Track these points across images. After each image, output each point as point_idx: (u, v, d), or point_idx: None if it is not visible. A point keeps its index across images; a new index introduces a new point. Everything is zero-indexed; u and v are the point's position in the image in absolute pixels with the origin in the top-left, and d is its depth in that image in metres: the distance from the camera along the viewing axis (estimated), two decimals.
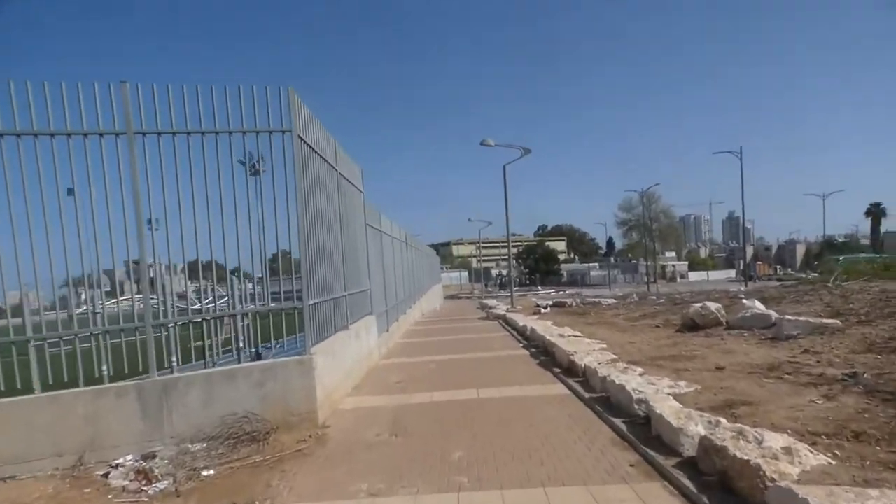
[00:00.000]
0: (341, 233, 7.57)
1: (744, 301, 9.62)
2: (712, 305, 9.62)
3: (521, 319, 13.72)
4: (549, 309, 16.12)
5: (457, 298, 51.07)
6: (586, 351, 7.50)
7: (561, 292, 60.77)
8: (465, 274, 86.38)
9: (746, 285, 30.04)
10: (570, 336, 9.34)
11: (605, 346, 8.02)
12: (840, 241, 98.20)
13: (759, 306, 9.22)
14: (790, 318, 7.59)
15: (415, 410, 5.77)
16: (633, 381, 5.26)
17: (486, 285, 54.26)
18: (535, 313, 15.94)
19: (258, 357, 6.65)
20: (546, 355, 8.69)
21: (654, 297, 18.35)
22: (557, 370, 7.37)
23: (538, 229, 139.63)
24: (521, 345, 10.42)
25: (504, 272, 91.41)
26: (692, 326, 9.60)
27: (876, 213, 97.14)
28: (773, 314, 8.67)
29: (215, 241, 5.30)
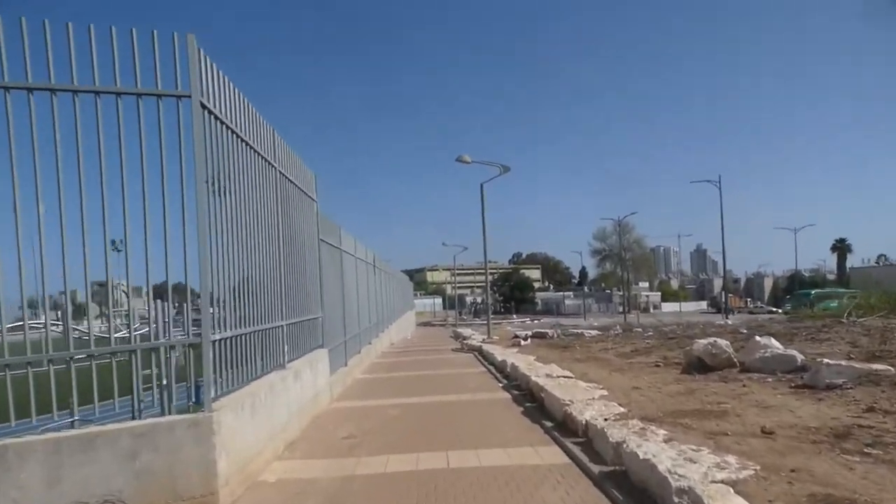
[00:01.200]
0: (281, 247, 6.00)
1: (757, 339, 8.33)
2: (722, 342, 8.30)
3: (500, 353, 12.22)
4: (528, 340, 14.68)
5: (430, 325, 49.42)
6: (584, 400, 6.02)
7: (536, 321, 59.65)
8: (438, 300, 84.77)
9: (726, 317, 29.19)
10: (559, 377, 7.86)
11: (604, 392, 6.55)
12: (807, 275, 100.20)
13: (776, 345, 7.94)
14: (829, 361, 6.28)
15: (360, 489, 4.17)
16: (663, 455, 3.79)
17: (459, 313, 52.65)
18: (514, 345, 14.46)
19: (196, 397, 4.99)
20: (532, 400, 7.18)
21: (641, 330, 17.08)
22: (549, 424, 5.86)
23: (513, 257, 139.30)
24: (501, 385, 8.88)
25: (479, 299, 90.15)
26: (700, 367, 8.25)
27: (842, 248, 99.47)
28: (798, 355, 7.38)
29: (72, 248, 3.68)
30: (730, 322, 20.39)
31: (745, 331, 11.89)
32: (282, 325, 5.89)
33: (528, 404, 7.03)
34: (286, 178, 6.35)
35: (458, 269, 51.91)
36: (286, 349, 5.96)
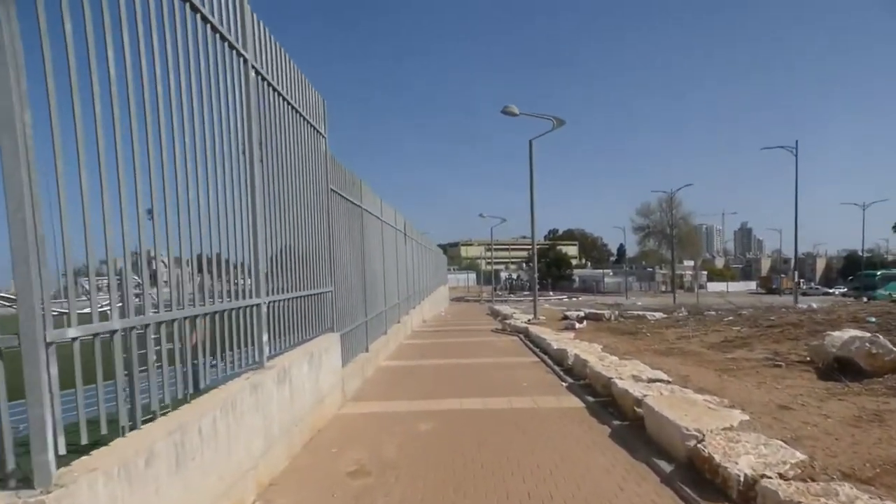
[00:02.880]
0: (258, 182, 4.01)
1: None
2: (883, 339, 5.96)
3: (552, 337, 10.11)
4: (584, 323, 12.50)
5: (464, 301, 47.54)
6: (718, 430, 3.87)
7: (574, 298, 57.14)
8: (472, 275, 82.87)
9: (796, 301, 26.09)
10: (651, 381, 5.71)
11: (740, 413, 4.38)
12: (864, 256, 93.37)
13: None
14: None
15: None
16: None
17: (495, 288, 50.59)
18: (566, 328, 12.31)
19: None
20: (619, 415, 5.08)
21: (714, 313, 14.61)
22: (664, 465, 3.76)
23: (549, 233, 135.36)
24: (565, 385, 6.80)
25: (514, 275, 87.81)
26: (845, 370, 5.96)
27: None
28: None
29: None
30: (813, 305, 17.62)
31: (871, 319, 9.40)
32: (258, 304, 3.93)
33: (615, 422, 4.92)
34: (273, 87, 4.32)
35: (494, 245, 49.58)
36: (266, 339, 4.01)
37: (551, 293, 63.40)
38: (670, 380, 5.86)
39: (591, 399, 5.88)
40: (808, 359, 6.82)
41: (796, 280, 29.68)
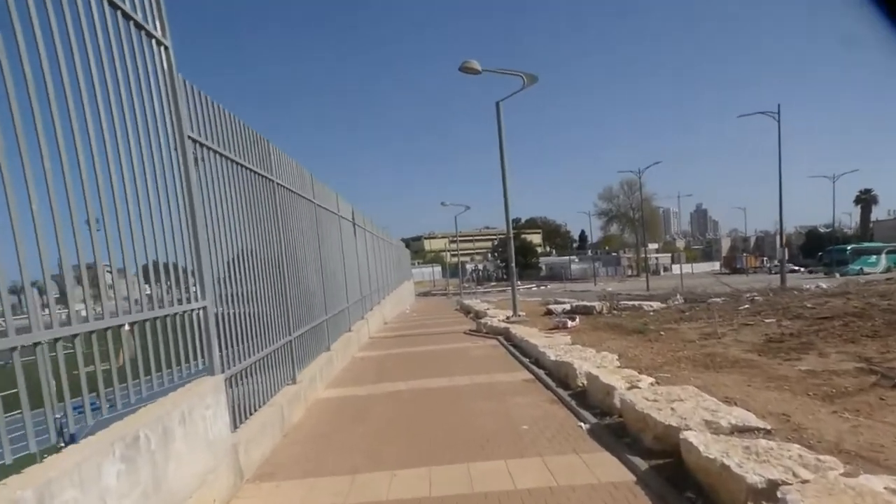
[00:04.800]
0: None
1: None
2: None
3: (543, 342, 7.87)
4: (577, 321, 10.33)
5: (430, 296, 45.24)
6: None
7: (542, 287, 55.63)
8: (438, 269, 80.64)
9: (783, 281, 24.81)
10: (750, 433, 3.51)
11: None
12: (823, 231, 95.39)
13: None
14: None
15: None
16: None
17: (462, 281, 48.41)
18: (556, 327, 10.10)
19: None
20: None
21: (720, 301, 12.71)
22: None
23: (512, 223, 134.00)
24: (585, 426, 4.53)
25: (481, 266, 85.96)
26: None
27: (867, 199, 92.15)
28: None
29: None
30: (822, 285, 16.09)
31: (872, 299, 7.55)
32: None
33: None
34: None
35: (458, 236, 47.35)
36: None
37: (519, 282, 61.65)
38: (768, 427, 3.66)
39: (641, 463, 3.61)
40: None
41: (784, 256, 28.39)
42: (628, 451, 3.86)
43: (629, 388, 4.82)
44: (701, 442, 3.36)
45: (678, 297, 14.37)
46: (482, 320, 12.15)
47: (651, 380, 5.06)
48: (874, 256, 52.09)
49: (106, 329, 2.56)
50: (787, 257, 29.46)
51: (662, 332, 8.56)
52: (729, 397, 4.63)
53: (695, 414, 3.87)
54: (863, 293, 11.18)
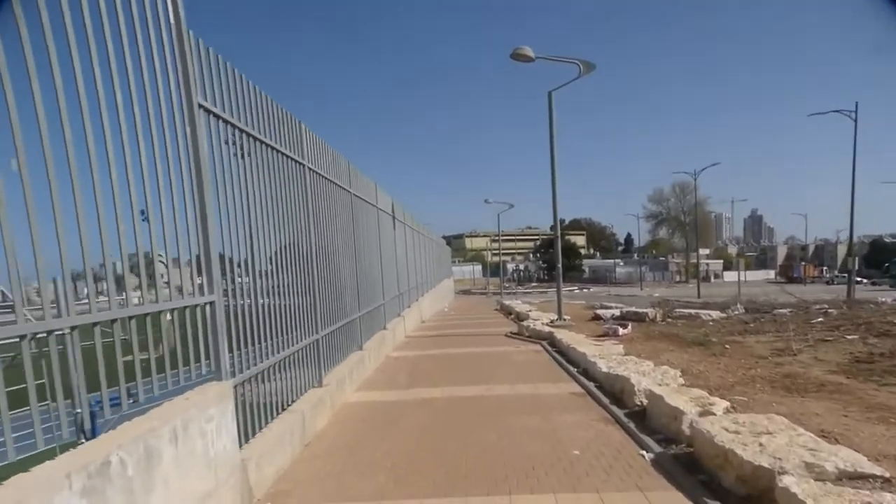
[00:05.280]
0: None
1: None
2: None
3: (592, 351, 7.17)
4: (628, 328, 9.51)
5: (469, 294, 44.70)
6: None
7: (585, 290, 54.07)
8: (478, 268, 79.97)
9: (850, 293, 22.80)
10: (860, 482, 2.78)
11: None
12: (889, 241, 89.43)
13: None
14: None
15: None
16: None
17: (503, 280, 47.55)
18: (605, 334, 9.34)
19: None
20: None
21: (787, 313, 11.57)
22: None
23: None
24: (649, 456, 3.85)
25: (522, 266, 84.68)
26: None
27: None
28: None
29: None
30: None
31: None
32: None
33: None
34: None
35: (501, 235, 46.52)
36: None
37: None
38: (886, 475, 2.91)
39: None
40: None
41: (854, 266, 26.14)
42: (705, 492, 3.19)
43: (701, 414, 4.11)
44: (807, 493, 2.67)
45: (738, 306, 13.23)
46: (524, 323, 11.48)
47: (725, 404, 4.32)
48: None
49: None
50: (856, 268, 27.29)
51: (727, 346, 7.67)
52: (826, 431, 3.86)
53: (790, 453, 3.15)
54: None
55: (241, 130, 3.75)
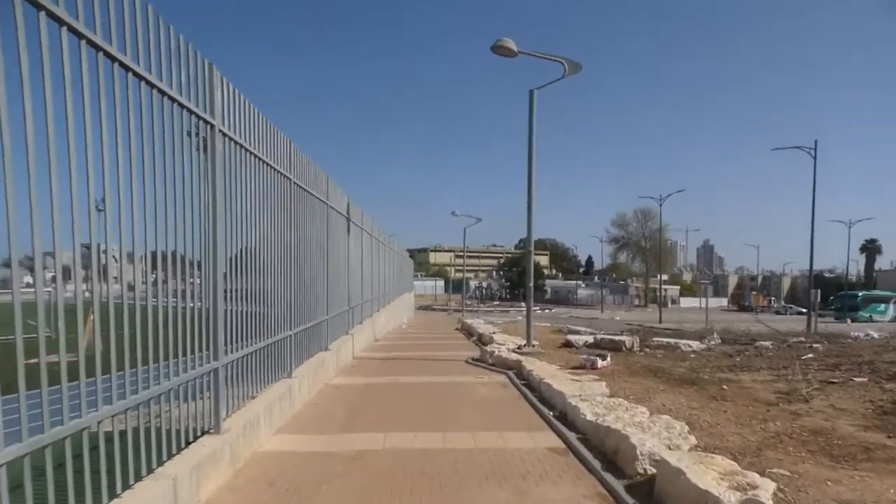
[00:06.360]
0: None
1: None
2: None
3: (570, 389, 5.97)
4: (608, 360, 8.37)
5: (430, 310, 43.32)
6: None
7: (547, 310, 53.50)
8: (441, 283, 78.79)
9: (810, 327, 22.66)
10: None
11: None
12: (828, 276, 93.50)
13: None
14: None
15: None
16: None
17: (464, 298, 46.34)
18: (582, 366, 8.18)
19: None
20: None
21: (771, 346, 10.75)
22: None
23: (520, 242, 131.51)
24: None
25: (485, 284, 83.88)
26: None
27: (872, 249, 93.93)
28: None
29: None
30: (873, 335, 14.07)
31: None
32: None
33: None
34: None
35: (465, 251, 45.46)
36: None
37: (522, 304, 59.49)
38: None
39: None
40: None
41: (816, 299, 26.19)
42: None
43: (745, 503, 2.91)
44: None
45: (715, 335, 12.40)
46: (488, 348, 10.23)
47: (771, 485, 3.14)
48: (883, 305, 52.41)
49: None
50: (818, 300, 27.54)
51: (725, 387, 6.60)
52: None
53: None
54: None
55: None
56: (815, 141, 23.86)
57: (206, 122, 3.71)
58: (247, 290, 4.65)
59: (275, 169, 5.35)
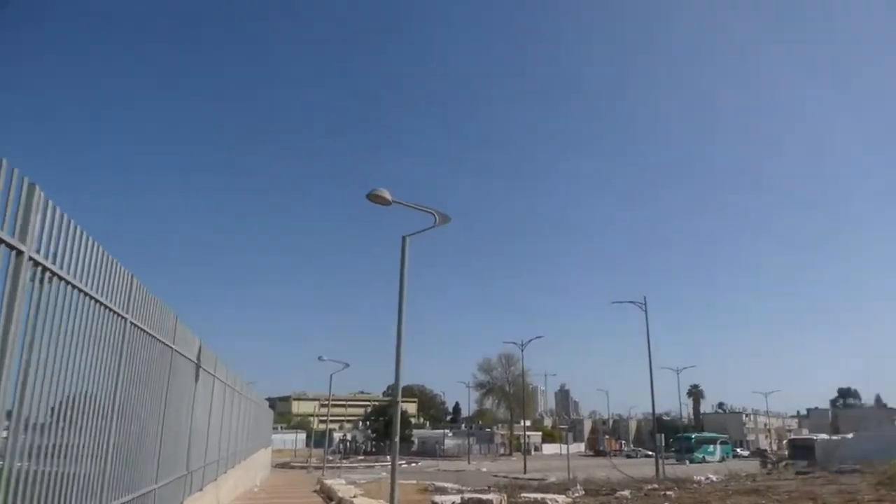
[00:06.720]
0: None
1: None
2: None
3: None
4: None
5: (289, 468, 38.77)
6: None
7: (413, 464, 50.40)
8: (302, 436, 71.94)
9: (659, 471, 24.01)
10: None
11: None
12: (666, 419, 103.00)
13: None
14: None
15: None
16: None
17: (325, 453, 42.23)
18: None
19: None
20: None
21: (627, 494, 11.00)
22: None
23: (388, 389, 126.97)
24: None
25: (349, 436, 77.86)
26: None
27: (696, 393, 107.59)
28: None
29: None
30: (712, 477, 15.16)
31: None
32: None
33: None
34: None
35: (331, 400, 42.63)
36: None
37: (388, 457, 55.34)
38: None
39: None
40: None
41: (661, 444, 28.15)
42: None
43: None
44: None
45: (578, 487, 12.47)
46: None
47: None
48: (712, 446, 58.41)
49: None
50: (663, 444, 29.86)
51: None
52: None
53: None
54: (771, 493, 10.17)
55: None
56: (645, 297, 27.90)
57: (10, 247, 3.16)
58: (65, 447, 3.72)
59: (105, 306, 4.65)
